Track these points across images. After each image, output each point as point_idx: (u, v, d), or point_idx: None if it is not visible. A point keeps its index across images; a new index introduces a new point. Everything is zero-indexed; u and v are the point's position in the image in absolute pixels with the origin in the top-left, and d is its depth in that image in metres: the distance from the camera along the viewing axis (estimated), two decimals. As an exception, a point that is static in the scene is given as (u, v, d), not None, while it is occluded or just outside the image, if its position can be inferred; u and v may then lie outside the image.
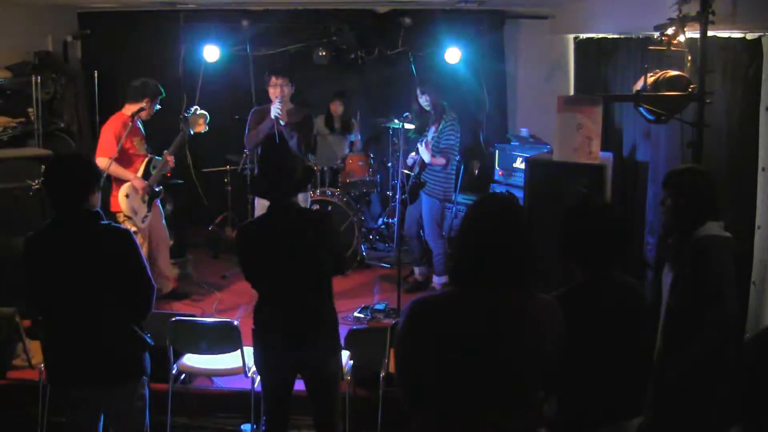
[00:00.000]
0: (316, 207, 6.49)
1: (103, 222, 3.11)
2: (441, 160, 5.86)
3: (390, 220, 7.56)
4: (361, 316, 5.64)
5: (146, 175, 5.48)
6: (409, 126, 6.27)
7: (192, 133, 5.65)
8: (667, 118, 3.98)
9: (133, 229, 5.08)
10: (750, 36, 3.80)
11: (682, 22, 3.70)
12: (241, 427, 4.35)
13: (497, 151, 7.06)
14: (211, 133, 6.15)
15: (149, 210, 5.52)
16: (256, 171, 5.94)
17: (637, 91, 3.97)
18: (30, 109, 6.03)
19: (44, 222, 3.21)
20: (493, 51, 7.70)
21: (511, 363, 2.18)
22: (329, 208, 6.72)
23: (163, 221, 5.87)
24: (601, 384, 2.62)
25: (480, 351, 2.16)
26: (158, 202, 5.74)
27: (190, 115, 5.60)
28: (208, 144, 7.40)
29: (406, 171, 6.13)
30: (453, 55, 7.01)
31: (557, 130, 4.54)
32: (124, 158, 5.34)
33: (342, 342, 3.74)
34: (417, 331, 2.23)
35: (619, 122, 5.60)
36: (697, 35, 3.70)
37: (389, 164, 7.47)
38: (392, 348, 3.91)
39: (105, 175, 4.67)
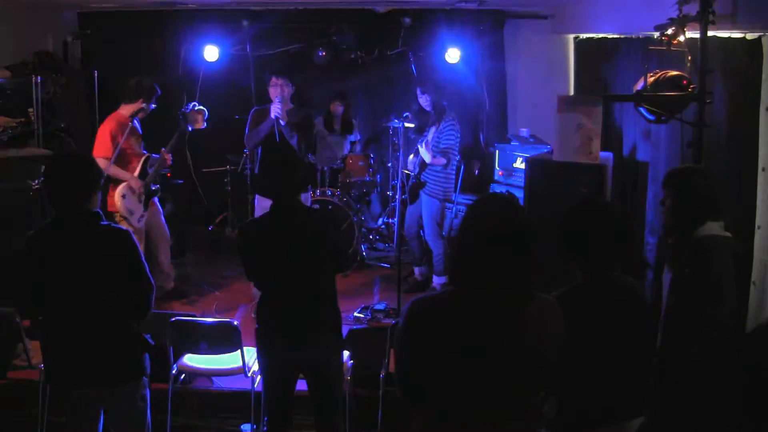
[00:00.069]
0: (316, 207, 6.49)
1: (103, 222, 3.11)
2: (442, 160, 5.86)
3: (390, 220, 7.56)
4: (361, 316, 5.65)
5: (143, 174, 5.48)
6: (409, 125, 6.27)
7: (191, 129, 5.65)
8: (667, 118, 3.98)
9: (130, 229, 5.07)
10: (750, 36, 3.80)
11: (682, 22, 3.70)
12: (241, 427, 4.35)
13: (497, 151, 7.06)
14: (211, 133, 6.15)
15: (146, 209, 5.51)
16: (256, 171, 5.93)
17: (637, 91, 3.97)
18: (30, 109, 6.02)
19: (44, 222, 3.21)
20: (493, 51, 7.69)
21: (511, 363, 2.18)
22: (329, 207, 6.72)
23: (163, 219, 5.87)
24: (601, 384, 2.62)
25: (480, 351, 2.16)
26: (156, 200, 5.74)
27: (188, 111, 5.58)
28: (208, 144, 7.41)
29: (406, 171, 6.13)
30: (453, 55, 7.00)
31: (557, 130, 4.55)
32: (121, 158, 5.33)
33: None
34: (417, 331, 2.23)
35: (619, 122, 5.60)
36: (697, 35, 3.70)
37: (389, 164, 7.47)
38: (392, 348, 3.91)
39: (105, 175, 4.68)
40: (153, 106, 5.53)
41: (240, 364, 4.09)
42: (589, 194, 4.31)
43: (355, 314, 5.64)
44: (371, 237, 7.62)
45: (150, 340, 3.24)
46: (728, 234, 3.01)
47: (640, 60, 4.57)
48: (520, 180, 6.35)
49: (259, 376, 4.12)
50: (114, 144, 5.29)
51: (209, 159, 7.57)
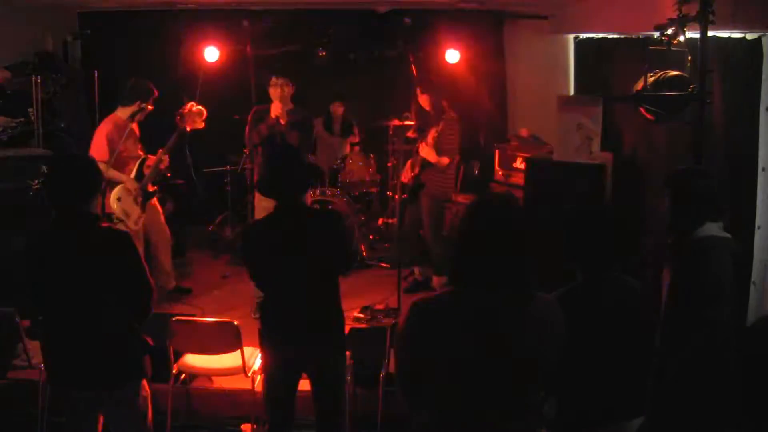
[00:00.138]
0: (316, 207, 6.49)
1: (102, 224, 3.11)
2: (445, 160, 5.86)
3: (390, 220, 7.56)
4: (361, 316, 5.64)
5: (139, 176, 5.47)
6: (408, 125, 6.27)
7: (189, 130, 5.64)
8: (667, 118, 3.98)
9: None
10: (750, 36, 3.80)
11: (682, 22, 3.70)
12: (241, 427, 4.35)
13: (497, 151, 7.06)
14: (211, 133, 6.14)
15: (143, 210, 5.51)
16: (255, 170, 5.93)
17: (637, 91, 3.97)
18: (30, 109, 6.03)
19: (45, 222, 3.20)
20: (493, 51, 7.69)
21: (511, 363, 2.18)
22: (329, 207, 6.72)
23: (162, 219, 5.87)
24: (601, 384, 2.62)
25: (480, 351, 2.16)
26: (157, 201, 5.74)
27: (185, 112, 5.57)
28: (208, 144, 7.40)
29: (405, 171, 6.13)
30: (453, 55, 7.00)
31: (557, 130, 4.55)
32: (117, 161, 5.32)
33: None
34: (417, 331, 2.23)
35: (619, 122, 5.60)
36: (697, 35, 3.70)
37: (389, 164, 7.47)
38: (392, 348, 3.91)
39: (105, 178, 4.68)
40: (151, 107, 5.52)
41: (240, 364, 4.09)
42: (589, 194, 4.32)
43: (355, 314, 5.64)
44: (371, 237, 7.62)
45: (150, 342, 3.24)
46: (728, 235, 3.01)
47: (640, 60, 4.57)
48: (520, 180, 6.36)
49: (259, 376, 4.12)
50: (110, 147, 5.28)
51: (209, 159, 7.57)
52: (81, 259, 3.03)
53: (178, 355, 4.22)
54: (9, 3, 6.32)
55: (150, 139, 5.74)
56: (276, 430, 3.55)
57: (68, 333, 3.10)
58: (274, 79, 5.52)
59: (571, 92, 6.69)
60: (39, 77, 6.11)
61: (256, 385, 4.13)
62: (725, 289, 2.88)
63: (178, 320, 4.10)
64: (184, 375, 4.41)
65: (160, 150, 5.53)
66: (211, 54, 7.00)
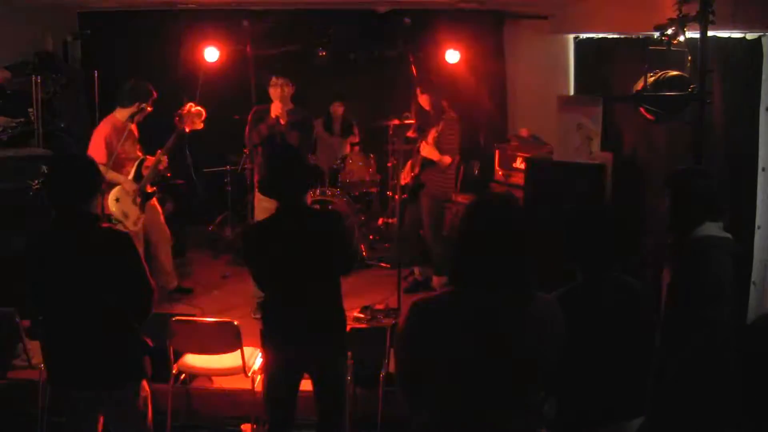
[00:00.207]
0: (316, 207, 6.49)
1: (103, 225, 3.11)
2: (448, 158, 5.86)
3: (390, 220, 7.56)
4: (361, 316, 5.64)
5: (138, 177, 5.47)
6: (408, 125, 6.27)
7: (188, 131, 5.63)
8: (667, 118, 3.98)
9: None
10: (750, 36, 3.80)
11: (682, 22, 3.70)
12: (241, 427, 4.35)
13: (497, 151, 7.06)
14: (211, 133, 6.13)
15: (142, 211, 5.50)
16: (255, 170, 5.93)
17: (637, 91, 3.97)
18: (30, 109, 6.03)
19: (45, 222, 3.20)
20: (493, 51, 7.69)
21: (511, 363, 2.18)
22: (329, 207, 6.72)
23: (162, 219, 5.87)
24: (601, 384, 2.62)
25: (480, 351, 2.16)
26: (156, 201, 5.73)
27: (184, 112, 5.56)
28: (208, 144, 7.40)
29: (404, 176, 6.13)
30: (453, 55, 7.00)
31: (557, 130, 4.55)
32: (115, 162, 5.31)
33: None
34: (417, 331, 2.23)
35: (619, 122, 5.60)
36: (697, 35, 3.70)
37: (389, 164, 7.47)
38: (392, 348, 3.91)
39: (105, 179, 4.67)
40: (150, 108, 5.51)
41: (240, 364, 4.09)
42: (589, 195, 4.32)
43: (355, 314, 5.64)
44: (371, 237, 7.62)
45: (150, 342, 3.24)
46: (727, 235, 3.01)
47: (640, 60, 4.57)
48: (520, 180, 6.36)
49: (259, 376, 4.12)
50: (109, 149, 5.28)
51: (209, 159, 7.56)
52: (81, 259, 3.03)
53: (178, 355, 4.22)
54: (9, 3, 6.32)
55: (149, 140, 5.73)
56: (276, 430, 3.55)
57: (68, 333, 3.10)
58: (274, 79, 5.52)
59: (571, 92, 6.69)
60: (39, 77, 6.11)
61: (256, 385, 4.13)
62: (725, 289, 2.88)
63: (178, 320, 4.10)
64: (184, 375, 4.41)
65: (159, 151, 5.52)
66: (211, 54, 7.00)
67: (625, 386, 2.66)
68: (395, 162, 7.00)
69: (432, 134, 5.87)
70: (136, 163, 5.48)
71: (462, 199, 6.60)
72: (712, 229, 2.97)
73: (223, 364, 4.21)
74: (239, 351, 4.05)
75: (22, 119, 5.99)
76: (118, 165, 5.37)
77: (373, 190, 7.54)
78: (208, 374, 4.50)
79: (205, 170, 7.58)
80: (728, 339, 2.89)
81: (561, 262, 2.74)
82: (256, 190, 5.68)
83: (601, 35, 5.98)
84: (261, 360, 4.00)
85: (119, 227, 5.06)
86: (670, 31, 3.76)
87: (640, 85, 3.97)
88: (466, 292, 2.21)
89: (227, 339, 4.04)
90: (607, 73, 5.79)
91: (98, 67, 7.10)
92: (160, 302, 4.35)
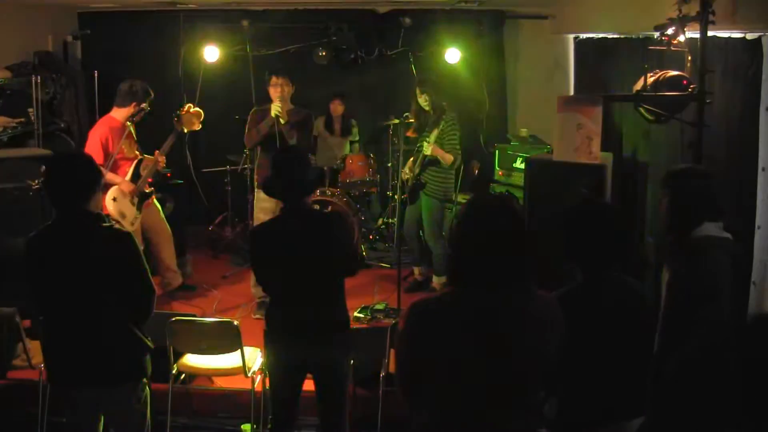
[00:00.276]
0: (316, 207, 6.49)
1: (104, 224, 3.11)
2: (450, 157, 5.86)
3: (390, 220, 7.56)
4: (361, 316, 5.64)
5: (135, 177, 5.47)
6: (408, 125, 6.27)
7: (186, 131, 5.63)
8: (667, 118, 3.98)
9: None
10: (750, 36, 3.80)
11: (682, 22, 3.70)
12: (241, 427, 4.35)
13: (497, 151, 7.06)
14: (211, 133, 6.15)
15: (140, 211, 5.50)
16: (255, 170, 5.93)
17: (637, 91, 3.97)
18: (30, 109, 6.03)
19: (45, 222, 3.20)
20: (493, 51, 7.70)
21: (511, 363, 2.18)
22: (329, 207, 6.72)
23: (162, 217, 5.86)
24: (601, 384, 2.62)
25: (480, 351, 2.16)
26: (156, 199, 5.73)
27: (183, 113, 5.55)
28: (208, 144, 7.41)
29: (405, 171, 6.13)
30: (453, 55, 7.00)
31: (557, 130, 4.54)
32: (113, 162, 5.31)
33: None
34: (417, 332, 2.23)
35: (619, 122, 5.59)
36: (697, 35, 3.70)
37: (389, 164, 7.47)
38: (392, 348, 3.91)
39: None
40: (149, 107, 5.51)
41: (240, 364, 4.09)
42: (589, 194, 4.31)
43: (355, 314, 5.64)
44: (371, 237, 7.62)
45: (149, 342, 3.24)
46: (727, 235, 3.00)
47: (640, 60, 4.57)
48: (520, 180, 6.36)
49: (259, 376, 4.12)
50: (105, 151, 5.27)
51: (209, 159, 7.57)
52: (81, 259, 3.03)
53: (178, 355, 4.22)
54: (9, 3, 6.32)
55: (148, 140, 5.73)
56: (279, 430, 3.55)
57: (68, 333, 3.10)
58: (274, 78, 5.52)
59: (571, 92, 6.68)
60: (39, 77, 6.11)
61: (256, 385, 4.13)
62: (724, 289, 2.87)
63: (178, 320, 4.10)
64: (184, 375, 4.41)
65: (157, 151, 5.52)
66: (211, 54, 7.01)
67: (625, 386, 2.66)
68: (395, 162, 7.01)
69: (434, 134, 5.86)
70: (134, 163, 5.48)
71: (462, 199, 6.61)
72: (712, 229, 2.97)
73: (223, 364, 4.21)
74: (239, 351, 4.05)
75: (22, 119, 5.99)
76: (116, 165, 5.37)
77: (373, 190, 7.54)
78: (208, 374, 4.50)
79: (204, 170, 7.58)
80: (728, 339, 2.89)
81: (561, 262, 2.73)
82: (256, 190, 5.72)
83: (601, 35, 5.98)
84: (261, 360, 4.01)
85: (116, 227, 5.07)
86: (670, 31, 3.76)
87: (640, 85, 3.97)
88: (465, 292, 2.21)
89: (227, 339, 4.05)
90: (607, 73, 5.79)
91: (98, 67, 7.11)
92: (160, 302, 4.36)
